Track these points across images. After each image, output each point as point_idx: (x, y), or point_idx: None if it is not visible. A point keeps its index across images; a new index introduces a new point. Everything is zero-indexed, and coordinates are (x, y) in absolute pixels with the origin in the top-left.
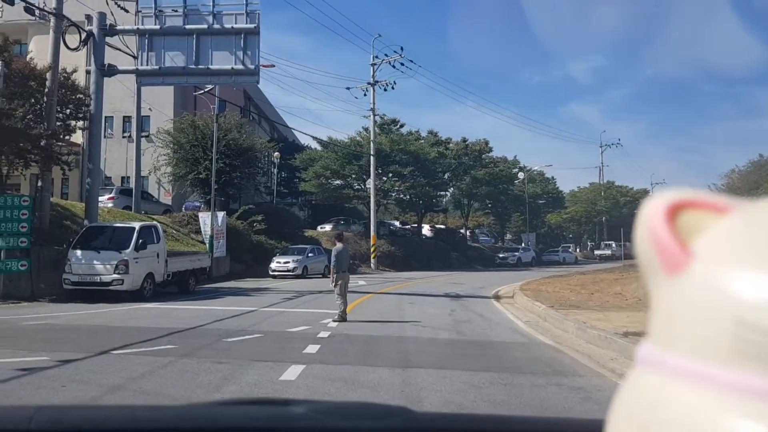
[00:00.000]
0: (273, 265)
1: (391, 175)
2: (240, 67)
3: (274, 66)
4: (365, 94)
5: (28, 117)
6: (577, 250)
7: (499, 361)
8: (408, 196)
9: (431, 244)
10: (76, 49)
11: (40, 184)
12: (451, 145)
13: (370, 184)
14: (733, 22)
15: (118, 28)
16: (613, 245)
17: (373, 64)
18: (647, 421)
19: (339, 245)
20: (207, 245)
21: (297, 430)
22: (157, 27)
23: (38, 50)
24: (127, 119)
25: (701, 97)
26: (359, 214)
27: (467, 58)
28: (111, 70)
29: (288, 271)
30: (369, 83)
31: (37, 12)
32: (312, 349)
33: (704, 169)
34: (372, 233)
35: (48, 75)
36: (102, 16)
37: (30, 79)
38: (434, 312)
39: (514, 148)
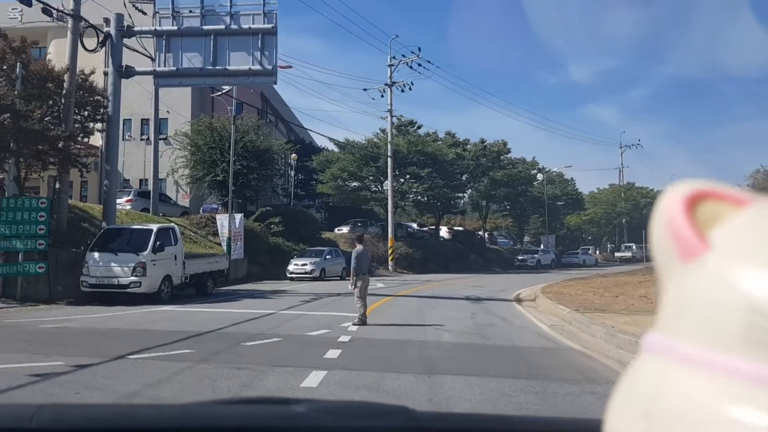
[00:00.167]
0: (290, 268)
1: (408, 176)
2: (257, 67)
3: (291, 67)
4: (382, 96)
5: (46, 119)
6: (597, 252)
7: (528, 367)
8: (426, 198)
9: (449, 246)
10: (93, 51)
11: (57, 186)
12: (469, 146)
13: (388, 185)
14: (752, 23)
15: (136, 29)
16: (634, 247)
17: (391, 65)
18: (650, 409)
19: (359, 247)
20: (224, 247)
21: (297, 429)
22: (175, 28)
23: (57, 54)
24: (145, 122)
25: (720, 97)
26: (376, 216)
27: (483, 59)
28: (128, 72)
29: (306, 273)
30: (386, 84)
31: (54, 13)
32: (333, 354)
33: (724, 169)
34: (389, 235)
35: (66, 77)
36: (119, 17)
37: (48, 81)
38: (456, 315)
39: (531, 150)
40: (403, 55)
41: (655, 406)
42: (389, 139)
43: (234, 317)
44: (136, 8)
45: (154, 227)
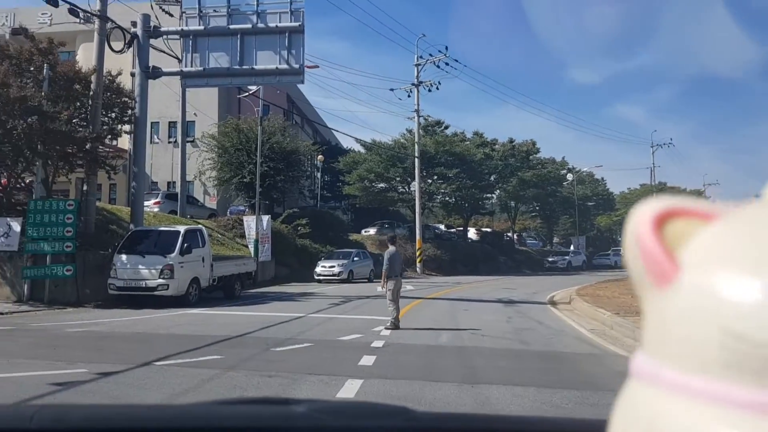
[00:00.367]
0: (318, 270)
1: (436, 177)
2: (285, 66)
3: (317, 67)
4: (409, 96)
5: (73, 121)
6: None
7: (575, 375)
8: (453, 199)
9: (477, 247)
10: (120, 52)
11: (85, 188)
12: (497, 146)
13: (415, 186)
14: None
15: (162, 29)
16: None
17: (417, 65)
18: None
19: (392, 248)
20: (252, 249)
21: (298, 429)
22: (201, 28)
23: (85, 58)
24: (172, 124)
25: (751, 96)
26: (402, 218)
27: (508, 58)
28: (155, 73)
29: (333, 275)
30: (413, 84)
31: (81, 14)
32: (367, 360)
33: (755, 169)
34: (417, 237)
35: (93, 78)
36: (146, 18)
37: (75, 82)
38: (490, 319)
39: (560, 150)
40: (430, 54)
41: None
42: (416, 139)
43: (263, 321)
44: (163, 10)
45: (182, 229)
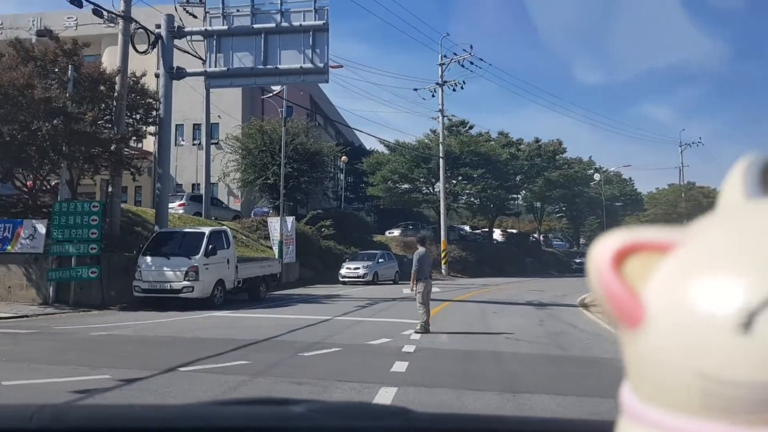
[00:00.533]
0: (343, 271)
1: (460, 177)
2: (309, 65)
3: (342, 66)
4: (433, 95)
5: (98, 122)
6: None
7: (616, 382)
8: (478, 200)
9: (503, 249)
10: (144, 53)
11: (110, 189)
12: (522, 146)
13: (440, 187)
14: None
15: (186, 30)
16: None
17: (441, 64)
18: None
19: (421, 249)
20: (276, 251)
21: (297, 429)
22: (225, 27)
23: (110, 61)
24: (196, 127)
25: None
26: (425, 219)
27: (532, 58)
28: (180, 73)
29: (358, 277)
30: (437, 83)
31: (105, 15)
32: (400, 366)
33: None
34: (442, 238)
35: (117, 79)
36: (170, 18)
37: (99, 83)
38: (523, 322)
39: (585, 150)
40: (455, 53)
41: None
42: (441, 139)
43: (289, 324)
44: (186, 11)
45: (207, 230)
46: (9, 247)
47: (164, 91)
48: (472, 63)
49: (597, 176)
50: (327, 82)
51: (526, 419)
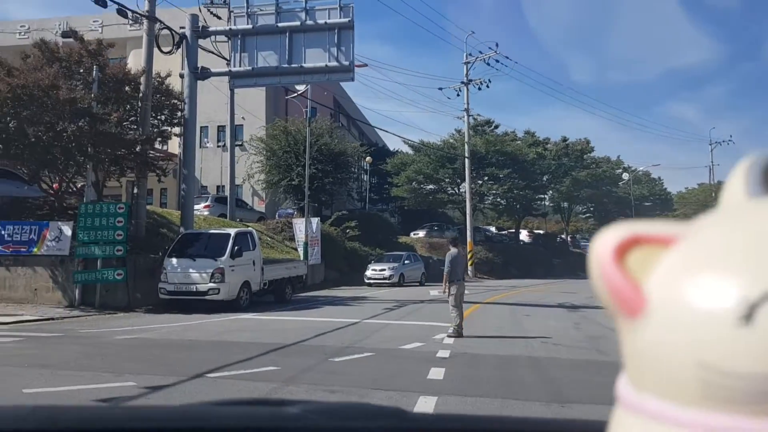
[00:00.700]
0: (368, 273)
1: (486, 178)
2: (334, 64)
3: (366, 65)
4: (458, 94)
5: (123, 123)
6: None
7: None
8: (505, 200)
9: (530, 250)
10: (169, 53)
11: (135, 191)
12: (549, 145)
13: (465, 187)
14: None
15: (211, 29)
16: None
17: (466, 63)
18: None
19: (454, 250)
20: (301, 252)
21: (292, 430)
22: (250, 26)
23: (135, 64)
24: (221, 129)
25: None
26: (449, 220)
27: (556, 57)
28: (204, 73)
29: (384, 279)
30: (462, 82)
31: (129, 15)
32: (437, 373)
33: None
34: (468, 239)
35: (142, 79)
36: (194, 18)
37: (124, 84)
38: (557, 326)
39: (613, 149)
40: (480, 52)
41: None
42: (466, 139)
43: (317, 327)
44: (211, 12)
45: (232, 231)
46: (35, 249)
47: (189, 91)
48: (497, 61)
49: (625, 176)
50: (353, 80)
51: (526, 419)
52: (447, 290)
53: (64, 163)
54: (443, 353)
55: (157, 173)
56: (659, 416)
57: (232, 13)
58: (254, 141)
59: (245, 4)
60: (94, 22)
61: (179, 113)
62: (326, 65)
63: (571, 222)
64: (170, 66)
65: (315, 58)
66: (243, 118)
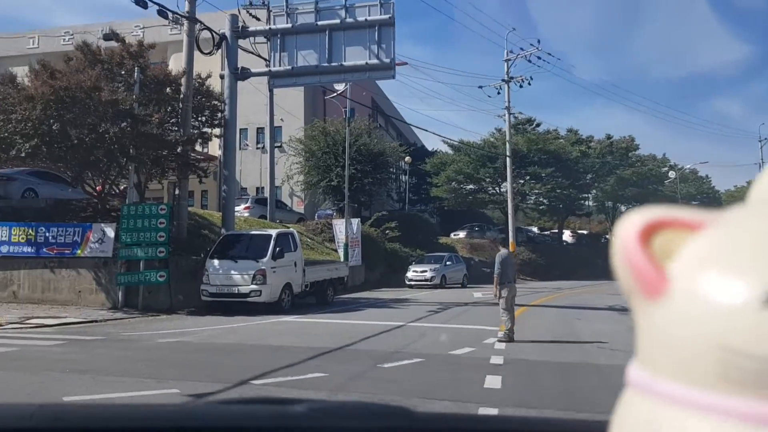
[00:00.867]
0: (409, 275)
1: (528, 177)
2: (375, 61)
3: (406, 63)
4: (499, 93)
5: (165, 125)
6: None
7: None
8: (547, 200)
9: (574, 250)
10: (209, 53)
11: (177, 192)
12: (593, 143)
13: (507, 187)
14: None
15: (251, 29)
16: None
17: (507, 60)
18: None
19: (503, 251)
20: (341, 254)
21: (298, 429)
22: (289, 26)
23: (176, 68)
24: (260, 131)
25: None
26: (489, 220)
27: (599, 53)
28: (244, 73)
29: (425, 280)
30: (503, 80)
31: (170, 16)
32: (493, 381)
33: None
34: (510, 240)
35: (183, 80)
36: (234, 18)
37: (165, 85)
38: (611, 329)
39: (658, 147)
40: (522, 49)
41: None
42: (507, 137)
43: (361, 330)
44: (250, 14)
45: (273, 232)
46: (79, 251)
47: (229, 91)
48: (539, 58)
49: (672, 174)
50: (393, 77)
51: (527, 419)
52: (498, 293)
53: (107, 165)
54: (497, 359)
55: (198, 174)
56: (669, 396)
57: (271, 13)
58: (293, 142)
59: (284, 4)
60: (135, 27)
61: (219, 114)
62: (366, 63)
63: (615, 222)
64: (210, 67)
65: (355, 56)
66: (282, 119)
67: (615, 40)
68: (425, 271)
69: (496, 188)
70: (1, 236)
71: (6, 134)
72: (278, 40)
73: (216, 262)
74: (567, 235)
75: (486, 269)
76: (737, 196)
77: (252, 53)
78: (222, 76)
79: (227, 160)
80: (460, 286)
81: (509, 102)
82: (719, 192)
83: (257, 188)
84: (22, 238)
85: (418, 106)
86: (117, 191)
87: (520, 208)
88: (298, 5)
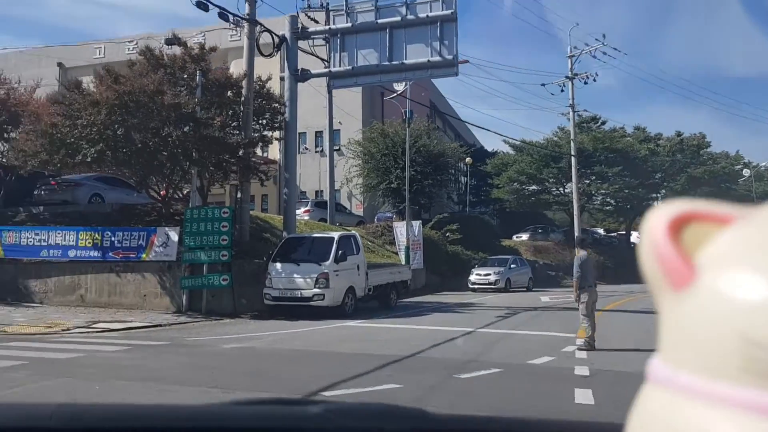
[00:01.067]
0: (472, 278)
1: (594, 177)
2: (437, 58)
3: (467, 62)
4: (562, 90)
5: (227, 128)
6: None
7: None
8: (614, 200)
9: None
10: (270, 55)
11: (239, 195)
12: (661, 141)
13: (572, 187)
14: None
15: (310, 30)
16: None
17: (571, 56)
18: None
19: (582, 253)
20: (402, 256)
21: (312, 430)
22: (349, 25)
23: (237, 74)
24: (318, 134)
25: None
26: (551, 222)
27: (662, 50)
28: (304, 75)
29: (489, 284)
30: (566, 77)
31: (231, 18)
32: (584, 396)
33: None
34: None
35: (243, 83)
36: (294, 19)
37: (227, 89)
38: None
39: (729, 145)
40: (586, 44)
41: None
42: (572, 136)
43: (429, 336)
44: (308, 17)
45: (335, 235)
46: (144, 255)
47: (290, 93)
48: (605, 53)
49: (746, 172)
50: (456, 75)
51: (528, 420)
52: (577, 298)
53: (170, 169)
54: (581, 370)
55: (259, 177)
56: (690, 390)
57: (331, 13)
58: (352, 144)
59: (344, 3)
60: (196, 34)
61: (279, 117)
62: (428, 60)
63: None
64: (270, 70)
65: (416, 53)
66: (340, 123)
67: (680, 34)
68: (489, 274)
69: (561, 189)
70: (69, 241)
71: (72, 139)
72: (338, 40)
73: (278, 265)
74: (634, 237)
75: (551, 272)
76: None
77: (311, 54)
78: (282, 78)
79: (288, 162)
80: (525, 289)
81: (573, 99)
82: None
83: (316, 191)
84: (89, 243)
85: (478, 105)
86: (180, 195)
87: (585, 209)
88: (357, 4)
